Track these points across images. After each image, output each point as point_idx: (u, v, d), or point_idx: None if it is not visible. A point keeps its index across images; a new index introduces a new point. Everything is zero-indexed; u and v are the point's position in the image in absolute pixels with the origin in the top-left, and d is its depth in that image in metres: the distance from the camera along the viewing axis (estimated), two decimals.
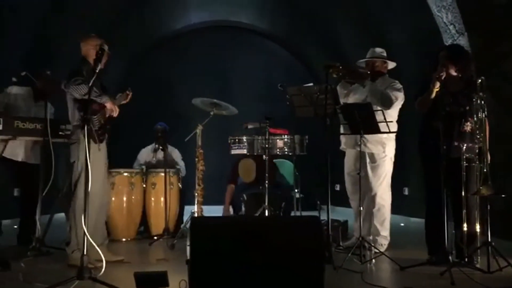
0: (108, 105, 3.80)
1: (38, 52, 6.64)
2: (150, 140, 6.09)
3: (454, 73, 3.73)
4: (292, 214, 5.29)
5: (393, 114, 4.37)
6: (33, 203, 4.49)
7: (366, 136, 4.11)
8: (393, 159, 4.52)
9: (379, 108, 4.09)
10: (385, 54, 4.61)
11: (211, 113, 4.98)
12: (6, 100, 4.53)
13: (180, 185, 5.59)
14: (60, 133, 4.30)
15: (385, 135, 4.22)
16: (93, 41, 3.81)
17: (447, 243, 3.48)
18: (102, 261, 3.19)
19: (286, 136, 5.00)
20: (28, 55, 6.47)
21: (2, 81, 4.77)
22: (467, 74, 3.76)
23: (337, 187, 6.92)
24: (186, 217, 5.37)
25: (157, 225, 5.31)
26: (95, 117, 3.72)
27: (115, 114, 3.88)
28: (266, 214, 4.77)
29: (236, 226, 2.71)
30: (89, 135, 3.18)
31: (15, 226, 4.88)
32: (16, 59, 6.17)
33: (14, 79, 4.51)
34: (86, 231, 3.08)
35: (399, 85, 4.44)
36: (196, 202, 4.82)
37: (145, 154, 6.11)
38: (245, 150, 5.04)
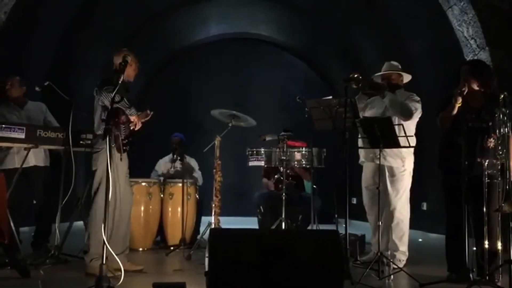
0: (133, 118, 3.86)
1: (62, 63, 6.77)
2: (167, 151, 6.14)
3: (476, 88, 3.69)
4: (309, 227, 5.26)
5: (411, 127, 4.33)
6: (48, 210, 4.56)
7: (385, 149, 4.09)
8: (411, 174, 4.48)
9: (396, 122, 4.07)
10: (400, 67, 4.59)
11: (230, 124, 5.00)
12: None
13: (197, 196, 5.61)
14: (81, 142, 4.35)
15: (404, 149, 4.18)
16: (121, 54, 3.89)
17: (468, 261, 3.42)
18: (121, 270, 3.21)
19: (304, 148, 5.00)
20: (52, 66, 6.60)
21: (27, 90, 4.85)
22: (489, 89, 3.72)
23: (354, 201, 6.86)
24: (202, 228, 5.38)
25: (174, 236, 5.32)
26: (123, 126, 3.76)
27: (136, 128, 3.94)
28: (283, 227, 4.76)
29: (255, 239, 2.70)
30: (112, 144, 3.22)
31: (32, 234, 4.93)
32: (40, 70, 6.29)
33: (37, 89, 4.59)
34: (105, 240, 3.11)
35: (417, 97, 4.41)
36: (213, 213, 4.82)
37: (163, 164, 6.16)
38: (262, 162, 5.04)
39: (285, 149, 4.88)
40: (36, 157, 4.63)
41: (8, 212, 3.74)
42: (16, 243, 4.00)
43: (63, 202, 4.27)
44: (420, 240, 6.59)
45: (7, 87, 4.64)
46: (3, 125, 3.84)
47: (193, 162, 6.11)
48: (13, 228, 3.95)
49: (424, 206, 6.95)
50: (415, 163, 4.48)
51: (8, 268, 3.63)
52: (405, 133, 3.87)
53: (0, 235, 3.50)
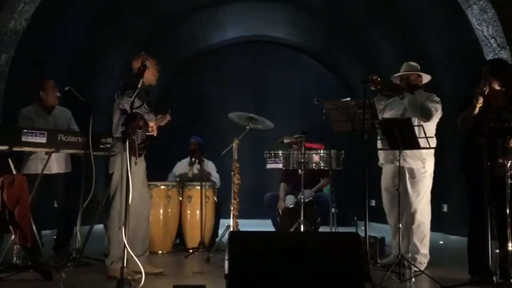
0: (151, 123, 3.89)
1: (81, 68, 6.86)
2: (185, 154, 6.17)
3: (497, 88, 3.63)
4: (326, 229, 5.24)
5: (431, 128, 4.28)
6: (69, 214, 4.62)
7: (405, 151, 4.05)
8: (432, 175, 4.43)
9: (416, 123, 4.02)
10: (419, 68, 4.54)
11: (247, 127, 5.01)
12: (21, 121, 4.67)
13: (215, 199, 5.63)
14: (101, 146, 4.39)
15: (424, 150, 4.14)
16: (139, 58, 3.93)
17: (491, 263, 3.36)
18: (141, 272, 3.23)
19: (322, 150, 4.98)
20: (71, 70, 6.69)
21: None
22: (510, 88, 3.66)
23: (373, 203, 6.81)
24: (221, 231, 5.39)
25: (193, 238, 5.34)
26: (140, 131, 3.80)
27: (154, 134, 3.97)
28: (302, 229, 4.75)
29: (275, 242, 2.70)
30: (130, 148, 3.26)
31: (54, 237, 5.00)
32: (60, 75, 6.38)
33: (58, 94, 4.66)
34: (126, 242, 3.14)
35: (437, 98, 4.36)
36: (231, 215, 4.83)
37: (181, 167, 6.19)
38: (280, 164, 5.05)
39: (303, 151, 4.86)
40: (59, 165, 4.72)
41: (30, 216, 3.79)
42: (38, 246, 4.06)
43: (84, 206, 4.31)
44: (440, 242, 6.51)
45: (42, 91, 4.71)
46: (25, 130, 3.89)
47: (211, 165, 6.14)
48: (35, 231, 4.01)
49: (445, 208, 6.86)
50: (435, 164, 4.43)
51: (31, 271, 3.68)
52: (425, 134, 3.83)
53: (23, 238, 3.56)
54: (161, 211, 5.33)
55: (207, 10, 8.48)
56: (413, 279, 3.69)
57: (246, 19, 9.22)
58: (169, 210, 5.38)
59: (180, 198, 5.50)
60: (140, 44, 7.70)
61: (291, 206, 5.45)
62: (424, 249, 4.33)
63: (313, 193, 5.53)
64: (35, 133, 3.93)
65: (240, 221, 4.88)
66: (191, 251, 5.13)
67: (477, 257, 3.55)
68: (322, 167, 5.02)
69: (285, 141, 5.27)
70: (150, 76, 3.94)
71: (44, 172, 4.34)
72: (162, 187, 5.39)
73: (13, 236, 3.72)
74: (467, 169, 3.81)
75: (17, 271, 3.67)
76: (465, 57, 6.06)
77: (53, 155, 4.42)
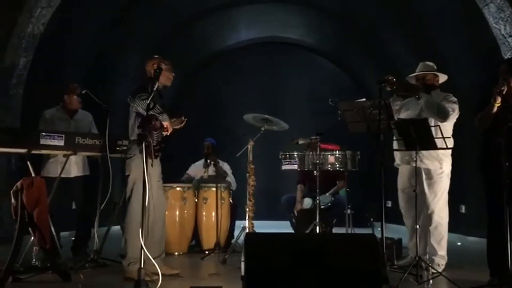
0: (165, 124, 3.91)
1: (96, 71, 6.93)
2: (200, 156, 6.19)
3: None
4: (341, 230, 5.22)
5: (448, 128, 4.24)
6: (88, 215, 4.67)
7: (421, 151, 4.01)
8: (449, 175, 4.38)
9: (433, 124, 3.98)
10: (435, 67, 4.50)
11: (262, 128, 5.01)
12: (43, 123, 4.75)
13: (231, 200, 5.64)
14: (118, 148, 4.44)
15: (441, 151, 4.09)
16: (152, 61, 3.96)
17: (511, 265, 3.32)
18: (158, 274, 3.25)
19: (337, 151, 4.96)
20: (88, 73, 6.77)
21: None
22: None
23: (389, 204, 6.76)
24: (236, 232, 5.40)
25: (209, 240, 5.36)
26: (156, 132, 3.83)
27: (168, 133, 3.99)
28: (317, 230, 4.73)
29: (292, 244, 2.69)
30: (146, 150, 3.28)
31: (73, 238, 5.06)
32: (76, 77, 6.45)
33: (75, 97, 4.71)
34: (143, 244, 3.16)
35: (454, 98, 4.31)
36: (247, 217, 4.83)
37: (196, 169, 6.21)
38: (295, 165, 5.03)
39: (318, 152, 4.85)
40: (78, 168, 4.79)
41: (49, 218, 3.84)
42: (57, 247, 4.11)
43: (101, 208, 4.35)
44: (458, 243, 6.44)
45: (66, 94, 4.76)
46: (43, 133, 3.95)
47: (226, 167, 6.15)
48: (54, 233, 4.06)
49: (463, 209, 6.78)
50: (452, 164, 4.39)
51: (50, 272, 3.73)
52: (442, 134, 3.79)
53: (42, 240, 3.60)
54: (177, 213, 5.36)
55: (220, 12, 8.51)
56: (431, 281, 3.66)
57: (259, 21, 9.22)
58: (185, 211, 5.41)
59: (196, 200, 5.52)
60: (155, 46, 7.76)
61: (308, 207, 5.44)
62: (442, 251, 4.29)
63: (332, 199, 5.51)
64: (53, 136, 3.98)
65: (255, 222, 4.88)
66: (207, 252, 5.15)
67: (497, 259, 3.50)
68: (337, 168, 5.01)
69: (300, 142, 5.26)
70: (164, 78, 3.97)
71: (63, 176, 4.40)
72: (178, 188, 5.42)
73: (32, 238, 3.77)
74: (486, 169, 3.76)
75: (36, 273, 3.72)
76: (482, 56, 5.98)
77: (72, 158, 4.49)
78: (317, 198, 4.85)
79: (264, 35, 9.70)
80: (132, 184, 3.82)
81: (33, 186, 3.58)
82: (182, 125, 4.20)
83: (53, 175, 4.53)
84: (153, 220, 3.86)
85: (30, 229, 3.61)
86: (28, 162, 3.99)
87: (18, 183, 3.59)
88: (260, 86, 9.63)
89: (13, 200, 3.60)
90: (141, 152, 3.43)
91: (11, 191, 3.62)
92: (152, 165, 3.79)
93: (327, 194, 5.54)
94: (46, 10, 5.53)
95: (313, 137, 4.98)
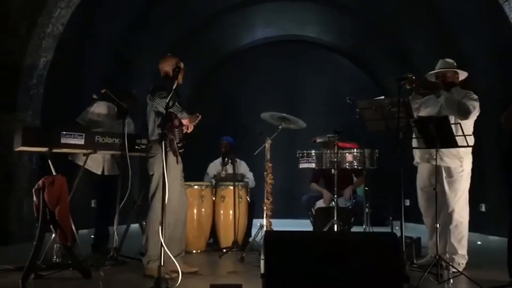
0: (185, 121, 3.92)
1: (117, 69, 7.00)
2: (217, 154, 6.22)
3: None
4: (360, 229, 5.19)
5: (469, 126, 4.18)
6: (108, 214, 4.72)
7: (441, 149, 3.97)
8: (470, 174, 4.32)
9: (453, 121, 3.93)
10: (455, 64, 4.44)
11: (280, 127, 5.00)
12: (89, 117, 4.79)
13: (248, 199, 5.65)
14: (136, 147, 4.48)
15: (462, 149, 4.04)
16: (170, 60, 3.98)
17: None
18: (177, 272, 3.27)
19: (355, 150, 4.93)
20: (108, 72, 6.84)
21: (84, 98, 5.04)
22: None
23: (407, 202, 6.70)
24: (254, 230, 5.40)
25: (226, 238, 5.38)
26: (177, 130, 3.85)
27: (188, 131, 4.00)
28: (335, 229, 4.71)
29: (311, 242, 2.69)
30: (168, 148, 3.31)
31: (92, 236, 5.12)
32: (96, 77, 6.53)
33: (94, 96, 4.76)
34: (163, 242, 3.18)
35: (474, 96, 4.25)
36: (265, 215, 4.84)
37: (214, 167, 6.24)
38: (313, 164, 5.02)
39: (336, 151, 4.83)
40: (107, 167, 4.87)
41: (70, 216, 3.89)
42: (77, 245, 4.16)
43: (121, 206, 4.39)
44: (479, 243, 6.35)
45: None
46: (64, 132, 4.01)
47: (243, 165, 6.16)
48: (74, 230, 4.11)
49: (483, 208, 6.70)
50: (473, 162, 4.33)
51: (71, 269, 3.78)
52: (463, 132, 3.74)
53: (63, 238, 3.65)
54: (195, 211, 5.39)
55: (237, 11, 8.53)
56: (451, 280, 3.61)
57: (275, 20, 9.22)
58: (203, 210, 5.44)
59: (214, 198, 5.54)
60: (173, 46, 7.81)
61: (330, 206, 5.41)
62: (462, 250, 4.24)
63: (353, 201, 5.47)
64: (74, 134, 4.04)
65: (273, 220, 4.88)
66: (224, 250, 5.16)
67: None
68: (355, 167, 4.98)
69: (318, 140, 5.24)
70: (180, 77, 3.98)
71: (92, 170, 4.63)
72: (196, 187, 5.45)
73: (53, 235, 3.82)
74: (509, 168, 3.70)
75: (57, 270, 3.77)
76: (503, 53, 5.89)
77: (100, 157, 4.64)
78: (335, 196, 4.83)
79: (280, 33, 9.69)
80: (156, 183, 3.82)
81: (55, 185, 3.63)
82: (197, 121, 4.21)
83: (95, 171, 4.73)
84: (175, 219, 3.87)
85: (51, 226, 3.66)
86: (49, 161, 4.04)
87: (40, 182, 3.64)
88: (277, 84, 9.63)
89: (35, 198, 3.66)
90: (163, 150, 3.44)
91: (33, 190, 3.67)
92: (177, 162, 3.83)
93: (346, 190, 5.49)
94: (65, 11, 5.60)
95: (331, 135, 4.96)
